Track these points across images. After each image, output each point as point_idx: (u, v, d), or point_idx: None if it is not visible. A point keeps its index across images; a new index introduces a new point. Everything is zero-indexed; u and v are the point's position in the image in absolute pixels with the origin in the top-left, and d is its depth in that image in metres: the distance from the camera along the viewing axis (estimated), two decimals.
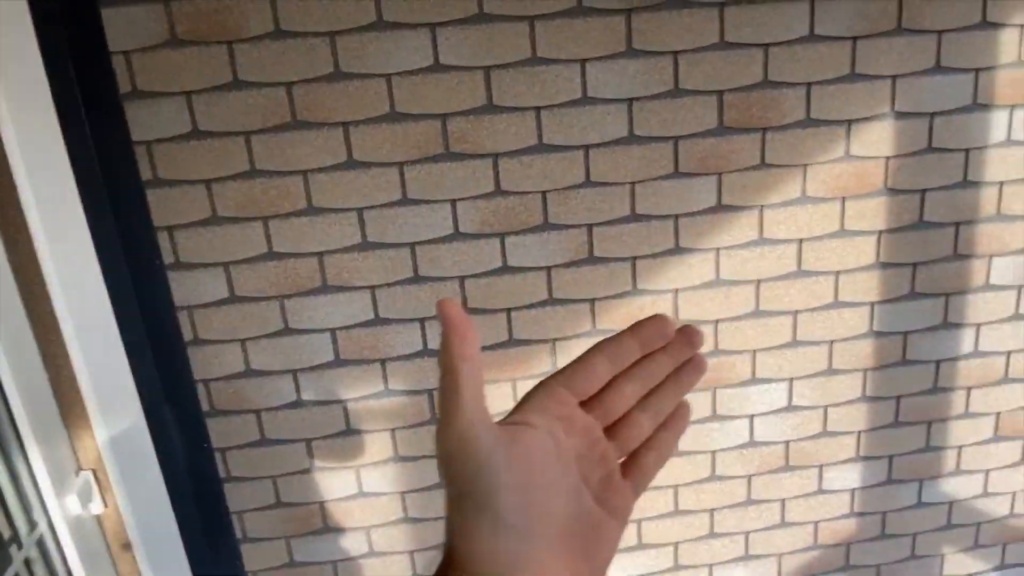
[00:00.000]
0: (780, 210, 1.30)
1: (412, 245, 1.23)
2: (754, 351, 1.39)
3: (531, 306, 1.29)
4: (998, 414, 1.52)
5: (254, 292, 1.23)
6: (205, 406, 1.29)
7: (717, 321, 1.36)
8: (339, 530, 1.40)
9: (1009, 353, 1.47)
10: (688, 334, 0.31)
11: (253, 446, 1.33)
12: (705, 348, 1.30)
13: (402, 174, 1.19)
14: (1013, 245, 1.38)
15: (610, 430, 0.29)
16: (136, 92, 1.10)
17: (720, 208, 1.28)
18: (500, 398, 1.35)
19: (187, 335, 1.24)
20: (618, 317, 1.33)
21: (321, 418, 1.32)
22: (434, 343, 1.29)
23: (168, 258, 1.19)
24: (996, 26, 1.24)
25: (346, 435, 1.34)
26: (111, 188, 1.12)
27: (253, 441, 1.32)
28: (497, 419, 0.26)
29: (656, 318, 0.31)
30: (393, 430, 1.35)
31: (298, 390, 1.30)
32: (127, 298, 1.16)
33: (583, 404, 0.29)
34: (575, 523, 0.26)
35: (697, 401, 1.41)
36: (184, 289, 1.21)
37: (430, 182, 1.20)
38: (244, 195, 1.17)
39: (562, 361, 1.31)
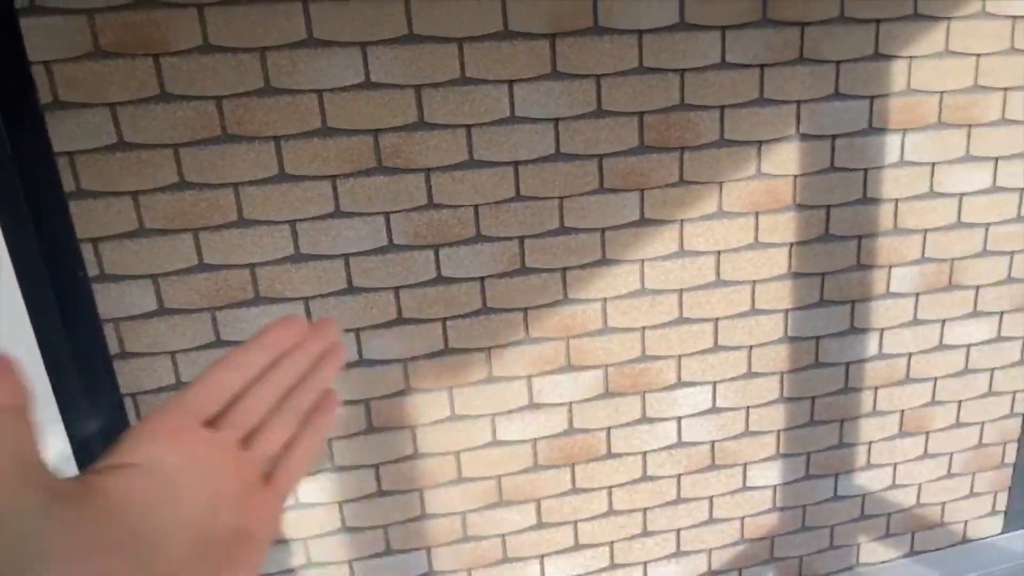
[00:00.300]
0: (699, 224, 1.39)
1: (346, 257, 1.25)
2: (679, 356, 1.47)
3: (466, 316, 1.33)
4: (902, 411, 1.65)
5: (184, 304, 1.22)
6: (134, 421, 1.27)
7: (644, 328, 1.43)
8: (276, 543, 1.40)
9: (910, 355, 1.60)
10: (320, 327, 0.30)
11: None
12: (633, 354, 1.37)
13: (335, 187, 1.21)
14: (909, 256, 1.51)
15: (246, 441, 0.28)
16: (58, 103, 1.09)
17: (643, 222, 1.36)
18: (436, 407, 1.38)
19: (114, 348, 1.22)
20: (550, 325, 1.38)
21: None
22: (370, 353, 1.32)
23: (93, 270, 1.17)
24: (887, 57, 1.37)
25: None
26: (31, 199, 1.10)
27: None
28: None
29: (281, 322, 0.30)
30: (330, 440, 1.36)
31: None
32: (48, 311, 1.13)
33: (211, 422, 0.27)
34: (202, 550, 0.23)
35: (627, 405, 1.48)
36: (110, 302, 1.20)
37: (363, 195, 1.22)
38: (173, 207, 1.17)
39: (497, 369, 1.35)
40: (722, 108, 1.32)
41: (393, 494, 1.42)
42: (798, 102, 1.35)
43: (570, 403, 1.45)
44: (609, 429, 1.49)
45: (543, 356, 1.40)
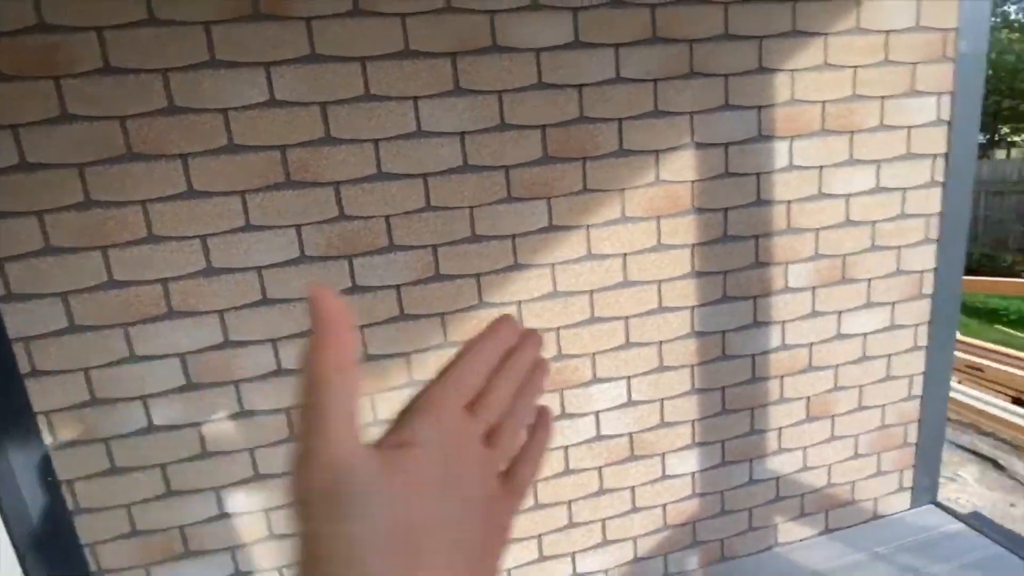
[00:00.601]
0: (605, 229, 1.47)
1: (259, 269, 1.28)
2: (593, 354, 1.55)
3: (383, 323, 1.38)
4: (808, 398, 1.77)
5: (95, 321, 1.23)
6: (48, 438, 1.27)
7: (558, 328, 1.51)
8: (202, 553, 1.41)
9: (811, 345, 1.72)
10: (531, 336, 0.31)
11: (103, 475, 1.32)
12: (549, 353, 1.44)
13: (245, 202, 1.25)
14: (804, 253, 1.63)
15: (488, 437, 0.28)
16: None
17: (551, 228, 1.43)
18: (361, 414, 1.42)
19: (24, 367, 1.23)
20: (467, 329, 1.44)
21: (176, 442, 1.33)
22: (289, 363, 1.35)
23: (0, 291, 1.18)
24: (771, 71, 1.48)
25: (203, 458, 1.36)
26: None
27: (103, 470, 1.31)
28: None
29: (506, 318, 0.30)
30: (252, 450, 1.38)
31: (149, 416, 1.31)
32: None
33: (468, 408, 0.27)
34: (462, 538, 0.24)
35: (548, 401, 1.54)
36: (18, 321, 1.20)
37: (273, 209, 1.26)
38: (80, 226, 1.19)
39: (417, 374, 1.40)
40: (620, 120, 1.41)
41: None
42: (691, 113, 1.45)
43: None
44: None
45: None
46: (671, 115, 1.44)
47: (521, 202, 1.40)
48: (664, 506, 1.73)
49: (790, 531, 1.87)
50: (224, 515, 1.40)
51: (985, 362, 4.47)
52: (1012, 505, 3.07)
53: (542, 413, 0.31)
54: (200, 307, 1.27)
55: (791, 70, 1.50)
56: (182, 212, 1.22)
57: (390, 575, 0.19)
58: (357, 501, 0.19)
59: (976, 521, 1.97)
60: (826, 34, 1.50)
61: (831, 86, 1.53)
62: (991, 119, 12.32)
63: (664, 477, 1.70)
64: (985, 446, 3.61)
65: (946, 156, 1.68)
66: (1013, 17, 11.80)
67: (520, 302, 1.46)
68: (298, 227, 1.28)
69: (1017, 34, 11.05)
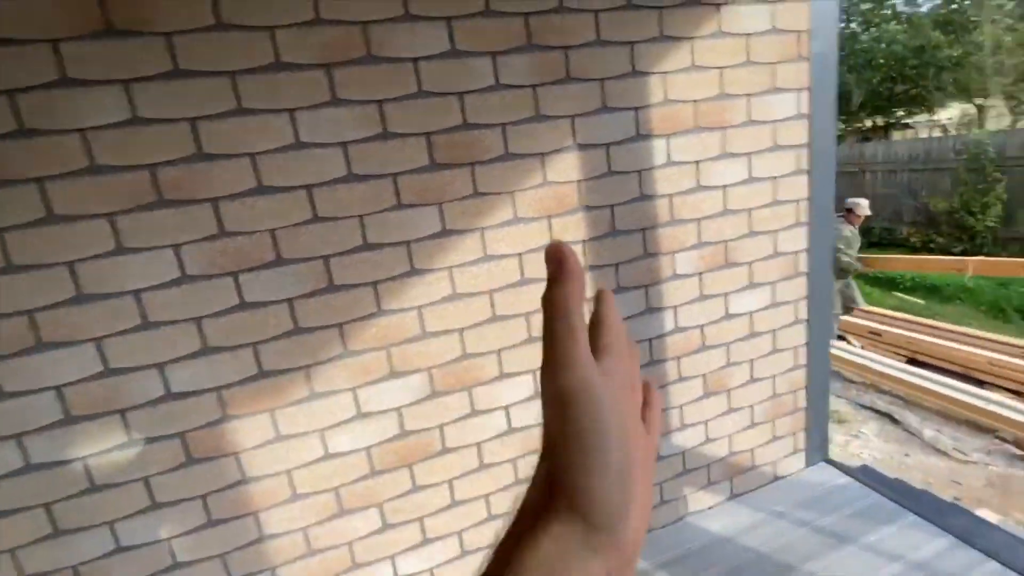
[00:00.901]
0: (499, 230, 1.52)
1: (136, 292, 1.24)
2: (498, 351, 1.60)
3: (277, 338, 1.37)
4: (704, 375, 1.90)
5: None
6: None
7: (462, 330, 1.55)
8: None
9: (702, 326, 1.85)
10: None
11: None
12: (454, 354, 1.47)
13: (113, 224, 1.20)
14: (688, 242, 1.75)
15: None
16: None
17: (446, 233, 1.47)
18: (259, 430, 1.41)
19: None
20: (368, 337, 1.45)
21: (59, 479, 1.27)
22: (178, 386, 1.31)
23: None
24: (644, 74, 1.58)
25: (92, 492, 1.30)
26: None
27: None
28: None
29: (566, 250, 0.29)
30: (146, 478, 1.34)
31: (25, 455, 1.24)
32: None
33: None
34: (644, 461, 0.28)
35: (456, 402, 1.59)
36: None
37: (146, 230, 1.22)
38: None
39: (319, 385, 1.40)
40: (503, 125, 1.46)
41: (226, 522, 1.42)
42: (572, 116, 1.53)
43: (399, 408, 1.53)
44: (442, 426, 1.59)
45: (366, 367, 1.47)
46: (552, 119, 1.51)
47: (413, 208, 1.43)
48: None
49: (699, 500, 2.01)
50: (122, 549, 1.34)
51: (883, 327, 4.93)
52: (906, 455, 3.41)
53: (645, 379, 0.34)
54: (75, 336, 1.22)
55: (663, 72, 1.60)
56: (44, 238, 1.16)
57: (624, 464, 0.24)
58: (604, 400, 0.24)
59: (863, 474, 2.19)
60: (692, 38, 1.61)
61: (701, 86, 1.66)
62: (887, 103, 13.48)
63: None
64: (883, 403, 3.99)
65: (808, 146, 1.85)
66: (900, 10, 12.96)
67: (420, 307, 1.49)
68: (176, 247, 1.25)
69: (904, 25, 12.15)
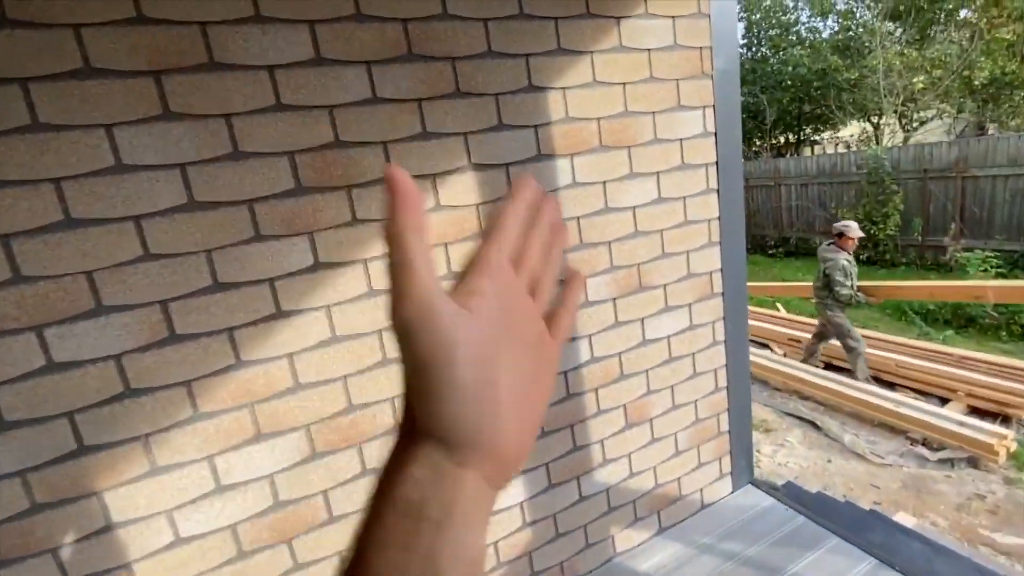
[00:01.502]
0: (385, 262, 1.34)
1: None
2: (392, 399, 1.41)
3: (101, 404, 1.11)
4: (624, 406, 1.79)
5: None
6: None
7: (345, 377, 1.34)
8: None
9: (620, 354, 1.75)
10: (549, 198, 0.33)
11: None
12: (339, 406, 1.26)
13: None
14: (599, 266, 1.65)
15: (531, 290, 0.31)
16: None
17: (320, 266, 1.27)
18: (82, 519, 1.13)
19: None
20: (226, 394, 1.22)
21: None
22: None
23: None
24: (542, 89, 1.47)
25: None
26: None
27: None
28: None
29: (526, 181, 0.32)
30: None
31: None
32: None
33: (512, 263, 0.30)
34: (520, 381, 0.28)
35: (343, 462, 1.37)
36: None
37: None
38: None
39: (163, 456, 1.14)
40: (384, 144, 1.29)
41: None
42: (464, 134, 1.38)
43: (271, 475, 1.30)
44: (326, 492, 1.37)
45: (224, 430, 1.23)
46: (442, 136, 1.35)
47: (276, 240, 1.22)
48: (496, 543, 1.63)
49: (627, 538, 1.89)
50: None
51: (802, 335, 5.14)
52: (829, 461, 3.50)
53: (572, 269, 0.35)
54: None
55: (562, 88, 1.50)
56: None
57: (478, 384, 0.25)
58: (447, 325, 0.24)
59: (787, 494, 2.16)
60: (592, 52, 1.52)
61: (604, 103, 1.56)
62: (796, 122, 14.54)
63: (491, 513, 1.60)
64: (805, 410, 4.11)
65: (716, 164, 1.81)
66: (803, 35, 14.09)
67: (292, 354, 1.27)
68: None
69: (807, 50, 13.21)
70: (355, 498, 1.40)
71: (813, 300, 4.65)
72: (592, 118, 1.55)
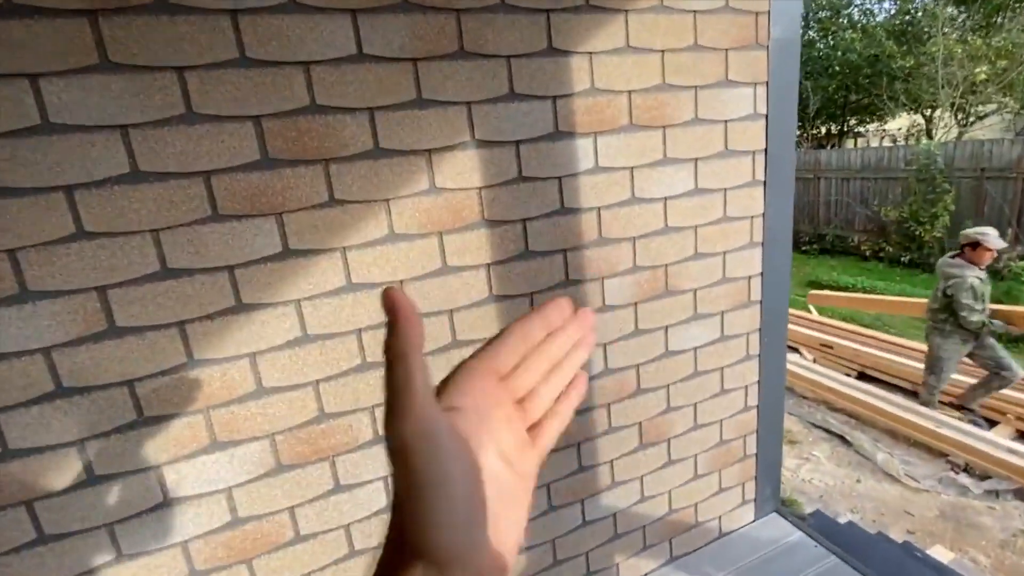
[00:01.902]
0: (369, 251, 1.15)
1: None
2: (371, 407, 1.23)
3: (28, 403, 0.95)
4: (640, 424, 1.59)
5: None
6: None
7: (317, 382, 1.17)
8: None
9: (638, 366, 1.53)
10: (581, 316, 0.35)
11: None
12: (309, 414, 1.09)
13: None
14: (619, 266, 1.43)
15: (521, 401, 0.33)
16: None
17: (289, 254, 1.08)
18: (12, 530, 0.99)
19: None
20: (176, 397, 1.05)
21: None
22: None
23: None
24: (564, 53, 1.23)
25: None
26: None
27: None
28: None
29: (558, 302, 0.34)
30: None
31: None
32: None
33: (503, 378, 0.32)
34: (500, 496, 0.28)
35: (312, 475, 1.21)
36: None
37: None
38: None
39: (102, 466, 0.98)
40: (371, 111, 1.09)
41: None
42: (468, 103, 1.17)
43: (229, 488, 1.14)
44: (293, 508, 1.21)
45: (175, 437, 1.07)
46: (441, 105, 1.14)
47: (238, 220, 1.03)
48: None
49: (633, 567, 1.70)
50: None
51: (835, 339, 4.82)
52: (858, 481, 3.25)
53: (577, 378, 0.35)
54: None
55: (588, 52, 1.26)
56: None
57: (470, 505, 0.26)
58: (444, 447, 0.25)
59: (816, 526, 1.94)
60: (626, 11, 1.28)
61: (637, 73, 1.32)
62: (840, 111, 13.76)
63: None
64: (835, 422, 3.84)
65: (765, 152, 1.55)
66: (856, 18, 13.19)
67: (255, 354, 1.10)
68: None
69: (859, 35, 12.37)
70: (325, 515, 1.24)
71: (927, 323, 3.71)
72: (622, 91, 1.32)
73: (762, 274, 1.65)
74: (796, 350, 5.11)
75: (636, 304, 1.48)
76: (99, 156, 0.92)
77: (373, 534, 1.30)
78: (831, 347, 4.80)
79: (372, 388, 1.22)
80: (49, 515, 1.01)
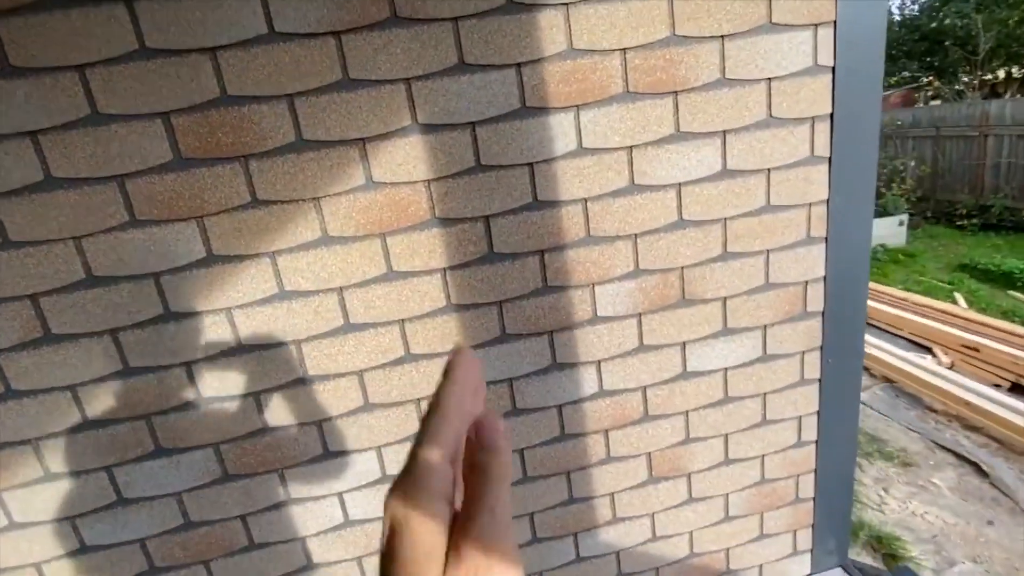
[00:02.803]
0: (300, 255, 1.04)
1: None
2: (319, 422, 1.14)
3: None
4: (649, 454, 1.33)
5: None
6: None
7: (258, 394, 1.10)
8: None
9: (644, 388, 1.27)
10: (469, 363, 0.30)
11: None
12: (251, 426, 1.04)
13: None
14: (616, 270, 1.17)
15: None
16: None
17: (214, 259, 1.01)
18: None
19: None
20: (115, 404, 1.05)
21: None
22: None
23: None
24: (528, 7, 0.99)
25: None
26: None
27: None
28: None
29: (466, 359, 0.30)
30: None
31: None
32: None
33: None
34: None
35: (259, 487, 1.16)
36: None
37: None
38: None
39: (54, 464, 1.02)
40: (290, 97, 0.95)
41: None
42: (407, 80, 0.98)
43: (179, 492, 1.13)
44: (244, 517, 1.18)
45: (120, 441, 1.07)
46: (373, 84, 0.97)
47: (156, 226, 0.97)
48: None
49: None
50: None
51: (983, 340, 3.89)
52: (989, 523, 2.60)
53: (493, 444, 0.28)
54: None
55: (563, 3, 1.00)
56: None
57: None
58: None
59: None
60: None
61: (634, 24, 1.03)
62: (1023, 52, 10.94)
63: None
64: (969, 444, 3.11)
65: (831, 117, 1.17)
66: None
67: (189, 363, 1.05)
68: None
69: None
70: (275, 528, 1.19)
71: None
72: (612, 49, 1.04)
73: (825, 278, 1.28)
74: (929, 350, 4.23)
75: (640, 315, 1.21)
76: (12, 165, 0.90)
77: (329, 551, 1.24)
78: (977, 349, 3.88)
79: (317, 401, 1.13)
80: (19, 504, 1.07)
